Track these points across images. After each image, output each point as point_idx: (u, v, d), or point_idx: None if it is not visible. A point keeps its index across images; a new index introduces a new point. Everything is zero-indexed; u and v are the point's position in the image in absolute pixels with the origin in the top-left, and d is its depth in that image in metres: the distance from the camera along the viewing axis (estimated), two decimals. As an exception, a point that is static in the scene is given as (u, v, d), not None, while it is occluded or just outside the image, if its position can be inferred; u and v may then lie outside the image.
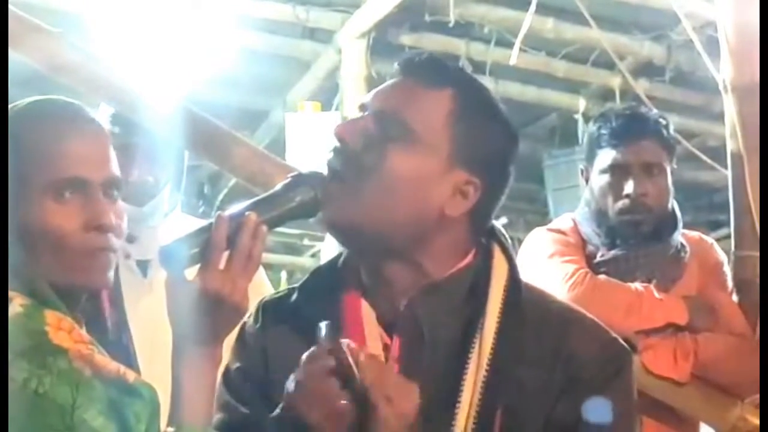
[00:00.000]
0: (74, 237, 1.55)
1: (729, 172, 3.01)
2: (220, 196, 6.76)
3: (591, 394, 1.57)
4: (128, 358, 1.68)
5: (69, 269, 1.56)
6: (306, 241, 7.86)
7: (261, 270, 2.86)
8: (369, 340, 1.60)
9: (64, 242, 1.55)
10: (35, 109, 1.63)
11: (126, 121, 2.63)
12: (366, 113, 1.63)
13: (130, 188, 2.64)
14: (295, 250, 8.11)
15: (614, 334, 1.67)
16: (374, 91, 1.67)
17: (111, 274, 1.60)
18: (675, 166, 2.89)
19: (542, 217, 6.28)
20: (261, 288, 2.44)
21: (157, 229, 2.63)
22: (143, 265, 2.60)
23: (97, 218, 1.57)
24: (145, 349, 2.43)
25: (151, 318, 2.23)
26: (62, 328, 1.51)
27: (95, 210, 1.57)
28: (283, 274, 8.03)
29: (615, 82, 5.63)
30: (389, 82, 1.67)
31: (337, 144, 1.61)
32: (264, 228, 1.57)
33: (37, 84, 2.38)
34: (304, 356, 1.51)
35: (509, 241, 1.71)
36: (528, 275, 2.73)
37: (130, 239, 2.65)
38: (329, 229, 1.67)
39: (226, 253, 1.56)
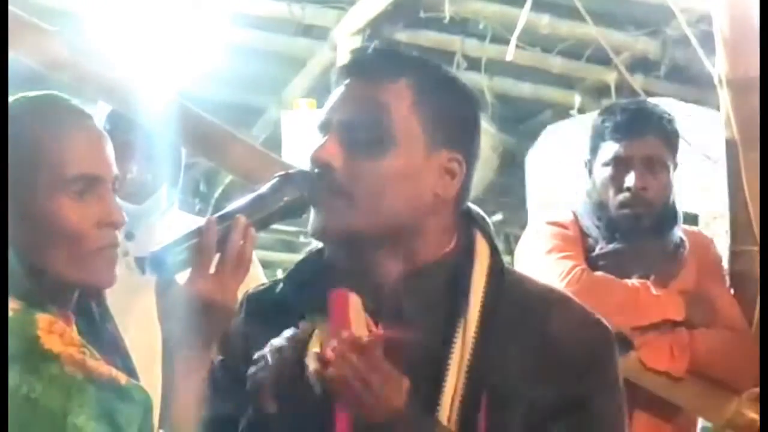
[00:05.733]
0: (89, 233, 1.57)
1: (725, 166, 3.02)
2: (216, 194, 6.75)
3: (574, 375, 1.58)
4: (117, 348, 1.68)
5: (81, 266, 1.57)
6: (302, 238, 7.85)
7: (259, 267, 2.87)
8: (355, 329, 1.59)
9: (79, 239, 1.56)
10: (39, 104, 1.62)
11: (123, 119, 2.63)
12: (332, 130, 1.62)
13: (128, 186, 2.65)
14: (291, 247, 8.09)
15: (597, 316, 1.67)
16: (330, 105, 1.65)
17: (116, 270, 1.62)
18: (678, 162, 2.90)
19: (538, 212, 6.28)
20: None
21: (155, 227, 2.64)
22: (141, 263, 2.60)
23: (111, 215, 1.59)
24: (144, 345, 2.43)
25: (151, 315, 2.23)
26: (54, 332, 1.51)
27: (110, 207, 1.59)
28: (279, 272, 8.01)
29: (610, 77, 5.62)
30: (341, 89, 1.65)
31: (319, 170, 1.61)
32: (253, 230, 1.59)
33: (34, 82, 2.38)
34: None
35: (491, 227, 1.72)
36: (525, 269, 2.77)
37: (129, 237, 2.66)
38: (326, 240, 1.67)
39: (216, 256, 1.57)
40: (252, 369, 1.55)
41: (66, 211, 1.56)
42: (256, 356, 1.55)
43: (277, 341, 1.55)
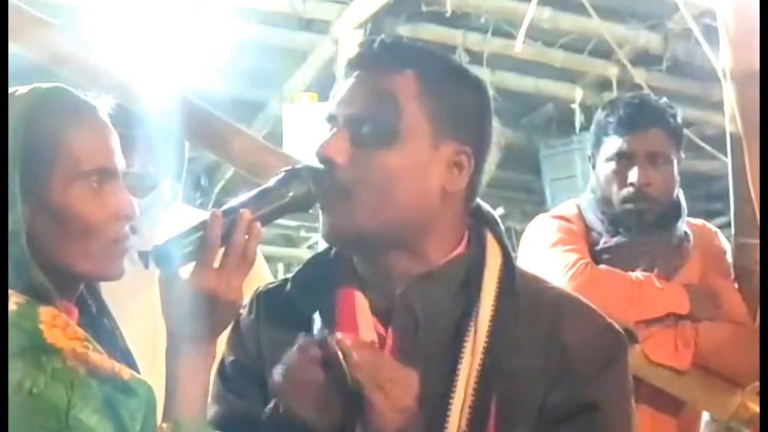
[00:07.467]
0: (105, 226, 1.57)
1: (729, 160, 3.01)
2: (217, 188, 6.76)
3: (584, 381, 1.57)
4: (115, 342, 1.68)
5: (94, 258, 1.57)
6: (303, 233, 7.86)
7: (263, 262, 2.86)
8: (362, 330, 1.59)
9: (96, 231, 1.56)
10: (53, 96, 1.62)
11: (126, 112, 2.62)
12: (339, 124, 1.61)
13: (131, 180, 2.64)
14: (292, 241, 8.11)
15: (609, 320, 1.66)
16: (337, 98, 1.64)
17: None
18: (683, 156, 2.89)
19: (539, 207, 6.27)
20: (263, 280, 2.43)
21: (159, 221, 2.63)
22: (144, 256, 2.59)
23: (125, 208, 1.59)
24: (146, 340, 2.42)
25: (152, 309, 2.22)
26: (57, 325, 1.50)
27: (123, 200, 1.59)
28: (280, 266, 8.01)
29: (612, 71, 5.64)
30: (349, 82, 1.64)
31: (324, 165, 1.60)
32: (258, 224, 1.57)
33: (36, 76, 2.37)
34: (294, 347, 1.51)
35: (502, 228, 1.70)
36: (529, 263, 2.77)
37: (132, 230, 2.65)
38: (337, 244, 1.66)
39: (221, 251, 1.56)
40: (277, 372, 1.52)
41: (83, 203, 1.56)
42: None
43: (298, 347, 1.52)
